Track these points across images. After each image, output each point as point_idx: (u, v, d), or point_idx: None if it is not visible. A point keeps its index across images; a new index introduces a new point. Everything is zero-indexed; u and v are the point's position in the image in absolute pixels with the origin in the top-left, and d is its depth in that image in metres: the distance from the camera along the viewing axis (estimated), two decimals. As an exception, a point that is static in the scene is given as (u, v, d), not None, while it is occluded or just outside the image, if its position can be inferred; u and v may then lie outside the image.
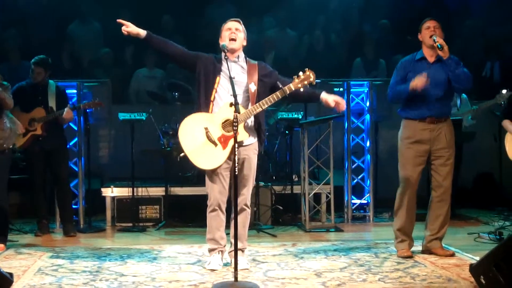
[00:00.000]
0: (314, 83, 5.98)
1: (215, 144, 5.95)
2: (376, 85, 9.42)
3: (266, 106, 5.91)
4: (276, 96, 5.91)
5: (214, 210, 6.11)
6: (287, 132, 9.12)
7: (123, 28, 6.12)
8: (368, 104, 9.37)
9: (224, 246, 6.22)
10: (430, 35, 6.55)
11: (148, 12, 11.18)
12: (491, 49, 11.67)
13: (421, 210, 6.83)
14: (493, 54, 11.62)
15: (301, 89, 5.96)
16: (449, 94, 6.72)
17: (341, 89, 9.44)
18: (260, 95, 6.00)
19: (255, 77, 6.05)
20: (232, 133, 5.70)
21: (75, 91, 8.99)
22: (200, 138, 5.96)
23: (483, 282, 5.18)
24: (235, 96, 5.64)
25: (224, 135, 5.92)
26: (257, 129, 6.11)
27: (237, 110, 5.56)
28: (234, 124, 5.54)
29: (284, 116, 9.04)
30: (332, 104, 6.15)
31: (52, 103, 8.19)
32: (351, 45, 11.62)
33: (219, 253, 6.19)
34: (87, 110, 8.41)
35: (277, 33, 11.45)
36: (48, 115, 8.09)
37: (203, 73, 6.09)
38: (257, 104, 5.90)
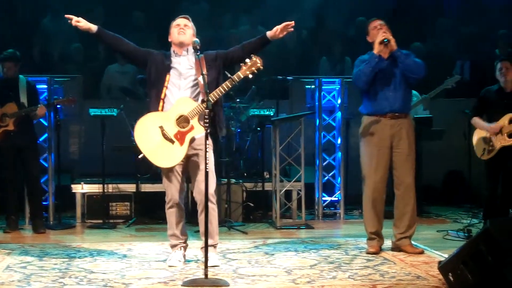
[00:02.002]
0: (262, 67, 5.97)
1: (172, 142, 5.95)
2: (348, 83, 9.45)
3: (216, 97, 5.90)
4: (226, 85, 5.91)
5: (172, 206, 6.15)
6: (258, 129, 9.13)
7: (73, 22, 6.12)
8: (339, 101, 9.40)
9: (185, 241, 6.23)
10: (378, 33, 6.61)
11: (120, 7, 11.14)
12: (462, 48, 11.76)
13: (388, 207, 6.88)
14: (463, 53, 11.71)
15: (250, 76, 5.95)
16: (408, 90, 6.78)
17: (313, 86, 9.46)
18: (211, 85, 5.95)
19: (204, 69, 6.05)
20: (187, 128, 5.83)
21: (45, 86, 8.92)
22: (156, 138, 5.97)
23: (452, 279, 5.22)
24: (207, 93, 5.65)
25: (180, 131, 5.92)
26: (213, 120, 6.09)
27: (208, 107, 5.57)
28: (205, 119, 5.53)
29: (256, 113, 9.05)
30: (279, 31, 6.06)
31: (23, 98, 8.12)
32: (323, 42, 11.65)
33: (181, 249, 6.21)
34: (57, 106, 8.35)
35: (249, 31, 11.44)
36: (20, 110, 8.02)
37: (154, 70, 6.12)
38: (209, 95, 5.89)
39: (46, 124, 8.92)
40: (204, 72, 5.85)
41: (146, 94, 9.33)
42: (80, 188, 8.86)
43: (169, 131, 5.96)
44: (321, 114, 9.35)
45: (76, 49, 11.09)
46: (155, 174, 8.94)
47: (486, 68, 10.19)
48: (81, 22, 6.16)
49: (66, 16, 6.15)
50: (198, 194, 6.04)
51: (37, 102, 8.15)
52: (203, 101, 5.71)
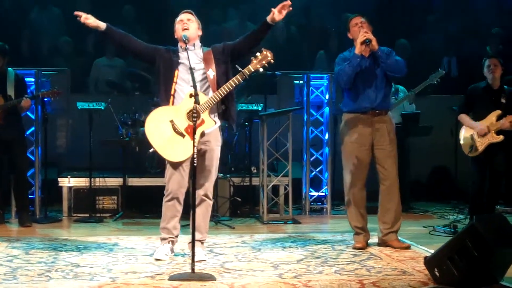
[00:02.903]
0: (273, 61, 5.95)
1: (183, 136, 5.93)
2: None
3: (227, 91, 5.89)
4: (236, 79, 5.89)
5: (171, 199, 6.11)
6: (246, 124, 9.14)
7: (82, 19, 6.08)
8: (327, 97, 9.41)
9: (176, 236, 6.22)
10: (358, 31, 6.62)
11: (110, 1, 11.11)
12: (449, 45, 11.80)
13: (373, 203, 6.90)
14: (451, 50, 11.75)
15: (261, 69, 5.93)
16: (388, 87, 6.81)
17: (301, 81, 9.47)
18: (220, 79, 5.99)
19: (212, 63, 6.05)
20: (198, 122, 5.72)
21: (33, 79, 8.87)
22: (167, 132, 5.95)
23: (437, 274, 5.26)
24: (195, 87, 5.65)
25: (190, 125, 5.89)
26: (224, 114, 6.10)
27: (196, 101, 5.57)
28: (193, 115, 5.53)
29: (244, 108, 9.06)
30: (276, 12, 6.00)
31: (10, 91, 8.08)
32: (312, 38, 11.66)
33: (169, 243, 6.20)
34: (45, 99, 8.32)
35: (238, 26, 11.44)
36: (7, 103, 7.98)
37: (162, 66, 6.09)
38: (217, 91, 5.90)
39: (33, 118, 8.89)
40: (211, 69, 5.85)
41: (135, 89, 9.43)
42: (67, 182, 8.84)
43: (179, 125, 5.94)
44: (309, 110, 9.36)
45: (64, 42, 11.05)
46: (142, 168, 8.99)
47: (473, 65, 10.24)
48: (90, 19, 6.12)
49: (76, 13, 6.10)
50: (198, 189, 6.02)
51: (24, 95, 8.11)
52: (191, 95, 5.69)
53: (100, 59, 10.84)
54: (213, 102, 5.90)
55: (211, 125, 5.97)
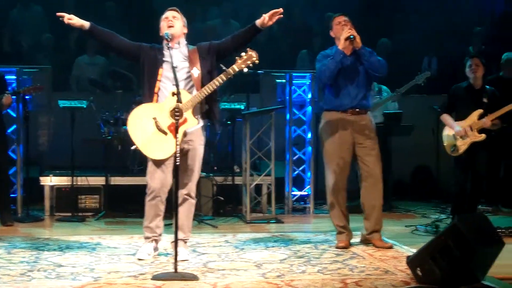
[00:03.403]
0: (258, 61, 5.95)
1: (165, 133, 5.93)
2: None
3: (211, 90, 5.89)
4: (221, 78, 5.88)
5: (153, 198, 6.10)
6: (229, 122, 9.13)
7: (65, 20, 6.06)
8: (310, 96, 9.43)
9: (160, 235, 6.22)
10: (342, 29, 6.65)
11: (92, -1, 11.11)
12: (430, 44, 11.85)
13: (352, 202, 6.93)
14: (431, 49, 11.80)
15: (245, 69, 5.93)
16: (368, 86, 6.84)
17: (283, 80, 9.48)
18: (205, 78, 5.99)
19: (197, 61, 6.04)
20: (181, 120, 5.73)
21: (14, 77, 8.80)
22: (150, 129, 5.94)
23: (420, 273, 5.27)
24: (177, 85, 5.65)
25: (173, 123, 5.89)
26: (208, 113, 6.10)
27: (179, 100, 5.56)
28: (176, 114, 5.53)
29: (226, 106, 9.05)
30: (267, 18, 6.04)
31: (-10, 89, 8.03)
32: (294, 37, 11.67)
33: (152, 242, 6.19)
34: (26, 97, 8.27)
35: (221, 24, 11.43)
36: (-13, 100, 7.93)
37: (146, 64, 6.08)
38: (201, 90, 5.90)
39: (15, 116, 8.82)
40: (196, 67, 5.87)
41: (117, 87, 9.38)
42: (49, 181, 8.79)
43: (162, 122, 5.93)
44: (291, 109, 9.37)
45: (46, 40, 11.00)
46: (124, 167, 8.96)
47: (453, 64, 10.31)
48: (73, 20, 6.11)
49: (58, 14, 6.09)
50: (181, 188, 6.01)
51: (4, 92, 8.06)
52: (173, 94, 5.68)
53: (82, 57, 10.81)
54: (196, 101, 5.90)
55: (193, 124, 5.96)
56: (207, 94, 5.89)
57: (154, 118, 5.93)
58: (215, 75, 6.00)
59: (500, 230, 7.11)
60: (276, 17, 6.06)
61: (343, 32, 6.61)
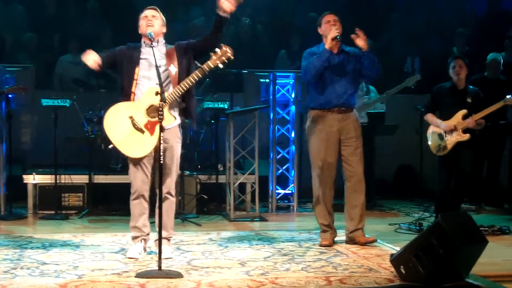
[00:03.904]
0: (233, 57, 5.93)
1: (142, 132, 5.93)
2: (301, 77, 9.48)
3: (186, 87, 5.87)
4: (196, 75, 5.87)
5: (137, 197, 6.11)
6: (213, 121, 9.13)
7: (94, 66, 6.01)
8: (293, 95, 9.44)
9: (148, 234, 6.20)
10: (330, 28, 6.66)
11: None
12: (412, 44, 11.90)
13: (339, 200, 6.95)
14: (414, 49, 11.86)
15: (220, 65, 5.90)
16: (355, 85, 6.86)
17: (267, 80, 9.49)
18: (182, 76, 5.98)
19: (174, 59, 6.04)
20: (156, 118, 5.74)
21: (-3, 76, 8.78)
22: (126, 128, 5.94)
23: (403, 271, 5.30)
24: (160, 84, 5.64)
25: (150, 121, 5.90)
26: (185, 111, 6.09)
27: (162, 99, 5.55)
28: (159, 113, 5.52)
29: (210, 105, 9.04)
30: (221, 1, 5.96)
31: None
32: (278, 36, 11.68)
33: (141, 242, 6.17)
34: (9, 96, 8.23)
35: (204, 23, 11.42)
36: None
37: (124, 63, 6.08)
38: (177, 87, 5.89)
39: (-2, 114, 8.79)
40: (173, 65, 5.87)
41: (99, 86, 9.35)
42: (32, 179, 8.75)
43: (139, 121, 5.93)
44: (275, 108, 9.38)
45: (29, 38, 10.95)
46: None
47: (436, 64, 10.36)
48: (98, 61, 6.04)
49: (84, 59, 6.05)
50: (162, 187, 5.99)
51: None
52: (157, 93, 5.67)
53: (65, 55, 10.77)
54: (172, 98, 5.89)
55: (170, 121, 5.95)
56: (182, 91, 5.88)
57: (131, 117, 5.94)
58: (192, 73, 5.99)
59: (483, 229, 7.15)
60: (237, 2, 5.97)
61: (330, 31, 6.63)
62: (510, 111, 9.18)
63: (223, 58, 5.91)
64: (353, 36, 6.60)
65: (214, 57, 5.91)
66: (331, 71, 6.69)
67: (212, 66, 5.90)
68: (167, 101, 5.81)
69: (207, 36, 6.09)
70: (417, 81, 8.87)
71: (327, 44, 6.64)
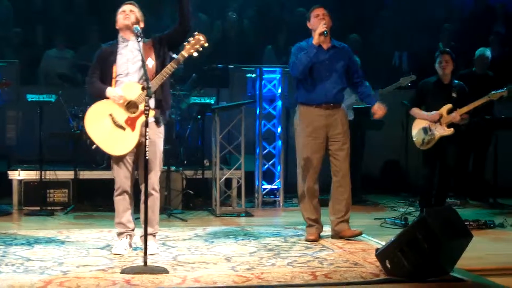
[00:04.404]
0: (207, 44, 5.89)
1: (123, 128, 5.92)
2: (288, 72, 9.47)
3: (162, 80, 5.85)
4: (171, 66, 5.85)
5: (120, 193, 6.10)
6: (199, 117, 9.12)
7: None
8: (280, 90, 9.44)
9: (133, 230, 6.19)
10: (319, 22, 6.66)
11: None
12: (400, 40, 11.92)
13: (325, 196, 6.96)
14: (401, 45, 11.88)
15: (195, 54, 5.88)
16: (344, 81, 6.85)
17: (254, 75, 9.48)
18: (159, 69, 5.96)
19: (152, 53, 6.02)
20: (137, 113, 5.80)
21: (-19, 71, 8.74)
22: (107, 126, 5.93)
23: (389, 266, 5.31)
24: (147, 79, 5.62)
25: (130, 117, 5.90)
26: (160, 105, 6.07)
27: (148, 94, 5.53)
28: (145, 108, 5.50)
29: (196, 101, 9.04)
30: None
31: (-43, 83, 7.94)
32: (265, 31, 11.67)
33: (127, 238, 6.16)
34: (-6, 91, 8.20)
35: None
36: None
37: (103, 66, 6.08)
38: (154, 79, 5.86)
39: (-18, 109, 8.76)
40: (151, 58, 5.85)
41: (85, 81, 9.31)
42: (17, 175, 8.71)
43: (119, 118, 5.92)
44: (261, 103, 9.37)
45: (14, 33, 10.89)
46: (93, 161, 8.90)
47: (423, 59, 10.38)
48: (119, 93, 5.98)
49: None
50: (143, 183, 5.98)
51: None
52: (143, 88, 5.66)
53: (51, 50, 10.72)
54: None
55: (150, 115, 5.91)
56: (159, 84, 5.86)
57: (111, 115, 5.93)
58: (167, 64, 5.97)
59: (468, 223, 7.20)
60: None
61: (318, 26, 6.62)
62: (496, 107, 9.21)
63: (197, 46, 5.89)
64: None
65: (187, 46, 5.89)
66: (320, 67, 6.68)
67: (186, 55, 5.88)
68: (144, 95, 5.78)
69: (177, 20, 6.05)
70: (412, 81, 8.85)
71: (315, 39, 6.63)
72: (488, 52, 9.39)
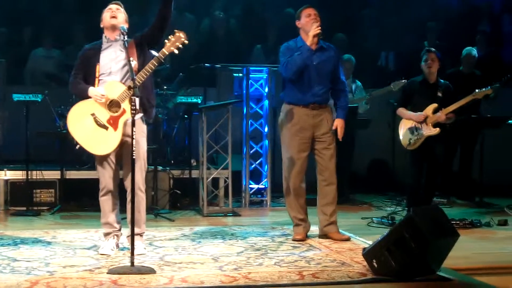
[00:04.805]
0: (187, 41, 5.87)
1: (106, 128, 5.91)
2: (275, 71, 9.49)
3: (144, 78, 5.81)
4: (152, 64, 5.82)
5: (105, 193, 6.09)
6: (186, 116, 9.11)
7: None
8: (267, 90, 9.44)
9: (119, 230, 6.17)
10: (311, 22, 6.65)
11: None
12: (386, 39, 11.95)
13: (313, 195, 6.96)
14: (388, 44, 11.90)
15: (175, 51, 5.86)
16: (331, 81, 6.83)
17: (240, 74, 9.47)
18: (142, 68, 5.91)
19: (134, 51, 6.01)
20: (119, 112, 5.82)
21: (-33, 71, 8.69)
22: (90, 126, 5.92)
23: (376, 265, 5.32)
24: (133, 79, 5.61)
25: (112, 116, 5.89)
26: (142, 103, 6.05)
27: (135, 94, 5.52)
28: (132, 107, 5.49)
29: (183, 100, 9.02)
30: None
31: None
32: (252, 31, 11.67)
33: (114, 238, 6.15)
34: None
35: (176, 17, 11.36)
36: None
37: (86, 66, 6.07)
38: (135, 78, 5.84)
39: (-32, 109, 8.71)
40: (133, 58, 5.84)
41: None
42: (3, 175, 8.69)
43: (101, 117, 5.91)
44: (248, 102, 9.37)
45: (0, 33, 10.83)
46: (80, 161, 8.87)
47: (410, 59, 10.40)
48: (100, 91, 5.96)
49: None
50: (128, 182, 5.97)
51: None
52: (129, 88, 5.66)
53: (37, 49, 10.69)
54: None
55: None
56: (140, 83, 5.84)
57: (93, 114, 5.92)
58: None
59: (454, 222, 7.23)
60: None
61: (312, 28, 6.60)
62: (483, 105, 9.25)
63: (177, 43, 5.87)
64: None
65: (168, 44, 5.88)
66: (309, 68, 6.67)
67: (167, 53, 5.87)
68: (126, 94, 5.77)
69: (156, 20, 6.03)
70: (403, 86, 8.86)
71: (309, 40, 6.61)
72: (474, 51, 9.43)
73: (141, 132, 6.06)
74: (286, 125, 6.77)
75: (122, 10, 6.13)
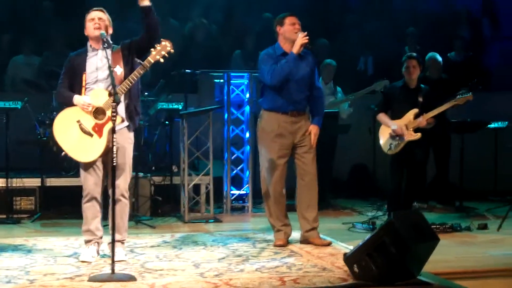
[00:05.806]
0: (173, 50, 5.91)
1: (91, 135, 5.91)
2: (256, 77, 9.49)
3: (129, 85, 5.84)
4: (137, 72, 5.85)
5: (89, 200, 6.07)
6: (167, 122, 9.10)
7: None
8: (248, 95, 9.44)
9: (101, 237, 6.15)
10: (296, 32, 6.66)
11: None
12: (365, 44, 11.98)
13: (292, 201, 6.97)
14: (366, 49, 11.94)
15: (161, 60, 5.89)
16: (309, 88, 6.84)
17: (221, 80, 9.47)
18: (127, 76, 5.94)
19: (120, 60, 6.02)
20: (104, 120, 5.83)
21: None
22: (75, 133, 5.93)
23: (356, 270, 5.33)
24: (113, 86, 5.61)
25: (97, 123, 5.90)
26: (129, 112, 6.05)
27: (116, 100, 5.52)
28: (112, 114, 5.48)
29: (164, 106, 9.00)
30: None
31: None
32: (233, 37, 11.67)
33: (95, 245, 6.12)
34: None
35: (161, 23, 11.32)
36: None
37: (72, 74, 6.07)
38: (120, 87, 5.83)
39: None
40: (119, 65, 5.85)
41: (51, 87, 9.23)
42: (-17, 183, 8.63)
43: (86, 124, 5.91)
44: (229, 108, 9.37)
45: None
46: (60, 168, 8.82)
47: (389, 64, 10.45)
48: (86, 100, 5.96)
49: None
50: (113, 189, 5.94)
51: None
52: (110, 94, 5.67)
53: (18, 56, 10.63)
54: (118, 98, 5.83)
55: (118, 121, 5.89)
56: (125, 91, 5.86)
57: (78, 121, 5.92)
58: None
59: (434, 226, 7.26)
60: None
61: (298, 37, 6.60)
62: (450, 110, 9.23)
63: (163, 52, 5.90)
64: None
65: (153, 52, 5.90)
66: (290, 75, 6.68)
67: (152, 61, 5.89)
68: (110, 101, 5.77)
69: (143, 30, 6.04)
70: (385, 86, 8.89)
71: (295, 49, 6.59)
72: (438, 56, 9.41)
73: (128, 139, 6.07)
74: (265, 131, 6.77)
75: (105, 17, 6.10)
